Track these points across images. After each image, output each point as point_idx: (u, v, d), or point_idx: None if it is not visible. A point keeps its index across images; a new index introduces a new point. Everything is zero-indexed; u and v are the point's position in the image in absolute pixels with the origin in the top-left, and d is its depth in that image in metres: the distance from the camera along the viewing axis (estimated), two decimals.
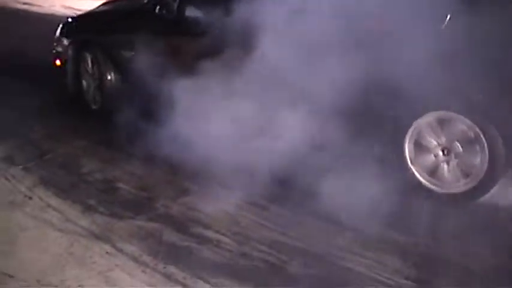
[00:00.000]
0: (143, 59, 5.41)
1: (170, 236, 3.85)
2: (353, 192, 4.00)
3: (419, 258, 3.55)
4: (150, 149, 4.74)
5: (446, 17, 4.00)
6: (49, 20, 10.25)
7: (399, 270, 3.43)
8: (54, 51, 6.44)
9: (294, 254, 3.61)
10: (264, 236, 3.82)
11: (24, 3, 12.90)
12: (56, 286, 3.38)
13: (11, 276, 3.47)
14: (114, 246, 3.73)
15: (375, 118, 4.15)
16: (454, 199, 4.12)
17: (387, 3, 4.03)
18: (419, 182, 4.21)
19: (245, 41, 4.55)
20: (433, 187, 4.17)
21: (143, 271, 3.47)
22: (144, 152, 4.87)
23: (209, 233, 3.86)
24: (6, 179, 4.76)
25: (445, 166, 4.11)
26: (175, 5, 5.24)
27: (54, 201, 4.36)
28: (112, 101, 5.81)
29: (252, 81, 4.34)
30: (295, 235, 3.81)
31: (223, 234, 3.84)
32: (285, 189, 4.28)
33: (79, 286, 3.36)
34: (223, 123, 4.35)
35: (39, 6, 12.58)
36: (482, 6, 3.91)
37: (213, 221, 4.00)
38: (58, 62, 6.38)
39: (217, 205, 4.16)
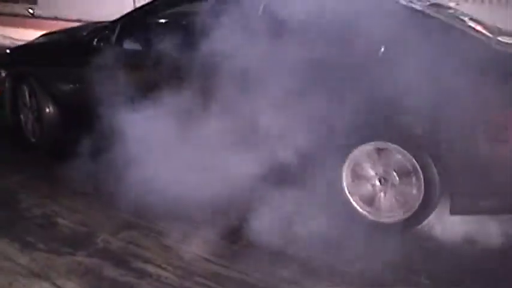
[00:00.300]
0: (81, 91, 5.40)
1: (110, 271, 3.79)
2: (297, 223, 4.07)
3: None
4: (90, 183, 4.71)
5: (381, 48, 4.10)
6: None
7: None
8: None
9: None
10: (208, 270, 3.81)
11: None
12: None
13: None
14: (53, 283, 3.67)
15: (313, 148, 4.18)
16: (391, 228, 4.19)
17: (324, 34, 4.11)
18: (357, 212, 4.29)
19: (183, 74, 4.58)
20: (371, 217, 4.26)
21: None
22: (84, 186, 4.83)
23: (150, 268, 3.82)
24: None
25: (382, 195, 4.20)
26: (114, 38, 5.24)
27: None
28: (51, 134, 5.76)
29: (190, 114, 4.35)
30: (241, 268, 3.80)
31: (164, 269, 3.80)
32: (229, 222, 4.26)
33: None
34: (165, 156, 4.33)
35: None
36: (417, 37, 4.02)
37: (154, 255, 3.97)
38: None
39: (159, 239, 4.16)
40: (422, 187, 4.03)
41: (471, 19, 4.62)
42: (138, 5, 5.46)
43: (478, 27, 4.46)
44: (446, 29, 4.25)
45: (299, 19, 4.17)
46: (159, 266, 3.83)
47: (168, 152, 4.30)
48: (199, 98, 4.39)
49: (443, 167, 3.95)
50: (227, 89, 4.32)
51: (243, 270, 3.79)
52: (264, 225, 4.04)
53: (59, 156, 5.48)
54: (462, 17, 4.63)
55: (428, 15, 4.31)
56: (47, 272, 3.80)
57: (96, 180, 4.61)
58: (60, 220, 4.48)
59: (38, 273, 3.79)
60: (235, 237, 4.14)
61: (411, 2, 4.46)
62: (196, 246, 4.05)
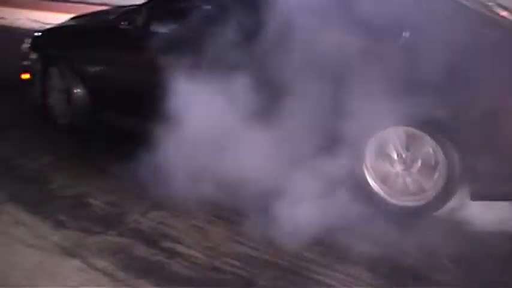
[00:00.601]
0: (110, 73, 5.46)
1: (141, 250, 3.87)
2: (319, 207, 4.08)
3: (387, 270, 3.65)
4: (120, 163, 4.77)
5: (403, 34, 4.11)
6: (15, 33, 10.21)
7: (369, 282, 3.53)
8: (22, 64, 6.42)
9: (264, 268, 3.68)
10: (235, 250, 3.87)
11: None
12: None
13: None
14: (85, 261, 3.74)
15: (337, 130, 4.19)
16: (411, 212, 4.24)
17: (345, 21, 4.12)
18: (376, 193, 4.34)
19: (209, 57, 4.61)
20: (389, 199, 4.30)
21: (114, 286, 3.50)
22: (114, 166, 4.91)
23: (179, 248, 3.89)
24: None
25: (403, 179, 4.24)
26: (141, 21, 5.29)
27: (24, 216, 4.33)
28: (80, 115, 5.83)
29: (220, 97, 4.39)
30: (266, 249, 3.86)
31: (194, 249, 3.87)
32: (257, 204, 4.25)
33: None
34: (195, 137, 4.36)
35: (4, 18, 12.48)
36: (442, 22, 4.04)
37: (183, 235, 4.04)
38: (26, 76, 6.36)
39: (189, 220, 4.23)
40: (444, 172, 4.06)
41: (498, 5, 4.61)
42: None
43: (504, 13, 4.46)
44: (471, 14, 4.24)
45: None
46: (189, 246, 3.90)
47: (199, 133, 4.33)
48: (229, 80, 4.41)
49: (465, 152, 3.98)
50: (254, 74, 4.36)
51: (269, 250, 3.85)
52: (291, 209, 4.06)
53: (88, 137, 5.56)
54: (488, 3, 4.63)
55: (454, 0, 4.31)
56: (79, 250, 3.87)
57: (126, 160, 4.65)
58: (91, 200, 4.56)
59: (69, 252, 3.86)
60: (263, 219, 4.12)
61: None
62: (225, 228, 4.13)
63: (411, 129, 4.15)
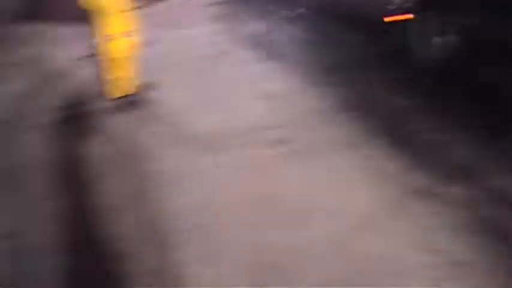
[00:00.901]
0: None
1: (488, 209, 3.71)
2: None
3: None
4: (484, 121, 4.65)
5: None
6: None
7: None
8: (394, 7, 6.43)
9: None
10: None
11: None
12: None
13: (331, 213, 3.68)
14: (435, 207, 3.73)
15: None
16: None
17: None
18: None
19: None
20: None
21: (466, 238, 3.45)
22: (476, 122, 4.76)
23: None
24: (337, 124, 4.94)
25: None
26: None
27: (380, 152, 4.44)
28: (448, 64, 5.69)
29: None
30: None
31: None
32: None
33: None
34: None
35: None
36: None
37: None
38: (392, 18, 6.37)
39: None
40: None
41: None
42: None
43: None
44: None
45: None
46: None
47: None
48: None
49: None
50: None
51: None
52: None
53: (454, 88, 5.41)
54: None
55: None
56: (429, 195, 3.87)
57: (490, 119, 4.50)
58: (451, 149, 4.43)
59: (422, 194, 3.88)
60: None
61: None
62: None
63: None
